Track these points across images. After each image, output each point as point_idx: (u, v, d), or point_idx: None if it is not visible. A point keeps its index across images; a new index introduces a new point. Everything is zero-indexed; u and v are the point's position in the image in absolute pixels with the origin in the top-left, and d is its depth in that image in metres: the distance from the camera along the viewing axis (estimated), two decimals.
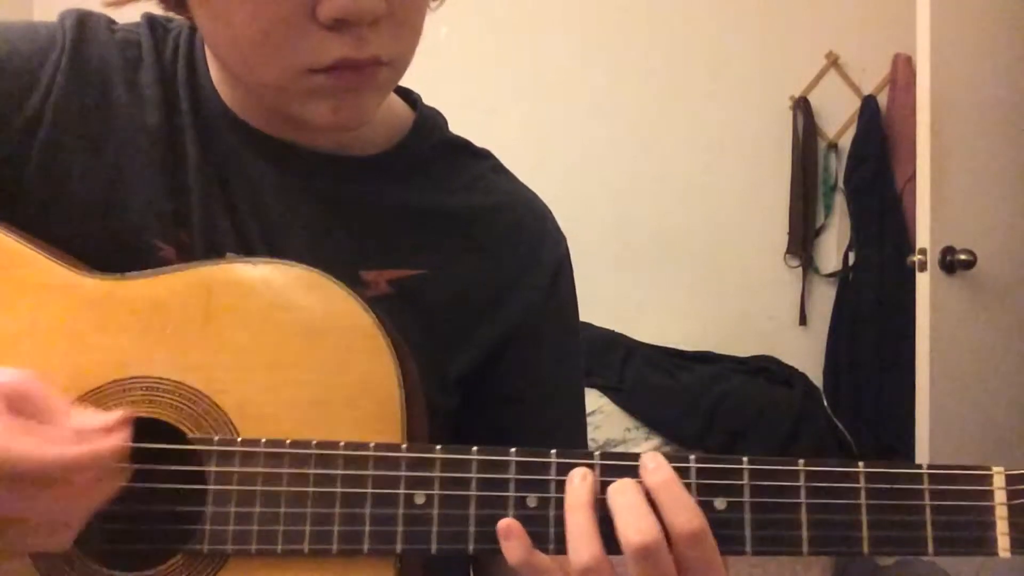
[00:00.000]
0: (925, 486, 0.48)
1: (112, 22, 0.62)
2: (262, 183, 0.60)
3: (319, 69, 0.51)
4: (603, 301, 2.43)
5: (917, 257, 1.86)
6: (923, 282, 1.85)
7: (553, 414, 0.69)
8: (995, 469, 0.48)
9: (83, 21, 0.59)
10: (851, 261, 2.59)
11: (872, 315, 2.49)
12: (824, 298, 2.64)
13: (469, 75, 2.59)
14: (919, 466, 0.48)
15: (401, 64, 0.56)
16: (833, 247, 2.65)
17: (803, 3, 2.62)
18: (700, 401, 2.18)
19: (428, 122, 0.67)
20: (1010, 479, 0.48)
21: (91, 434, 0.44)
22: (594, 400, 2.15)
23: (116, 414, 0.46)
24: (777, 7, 2.62)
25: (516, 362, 0.67)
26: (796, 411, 2.17)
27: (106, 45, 0.59)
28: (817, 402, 2.30)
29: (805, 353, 2.58)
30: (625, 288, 2.63)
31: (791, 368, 2.38)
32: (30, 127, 0.57)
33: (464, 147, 0.69)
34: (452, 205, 0.65)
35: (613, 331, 2.46)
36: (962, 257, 1.83)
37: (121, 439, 0.45)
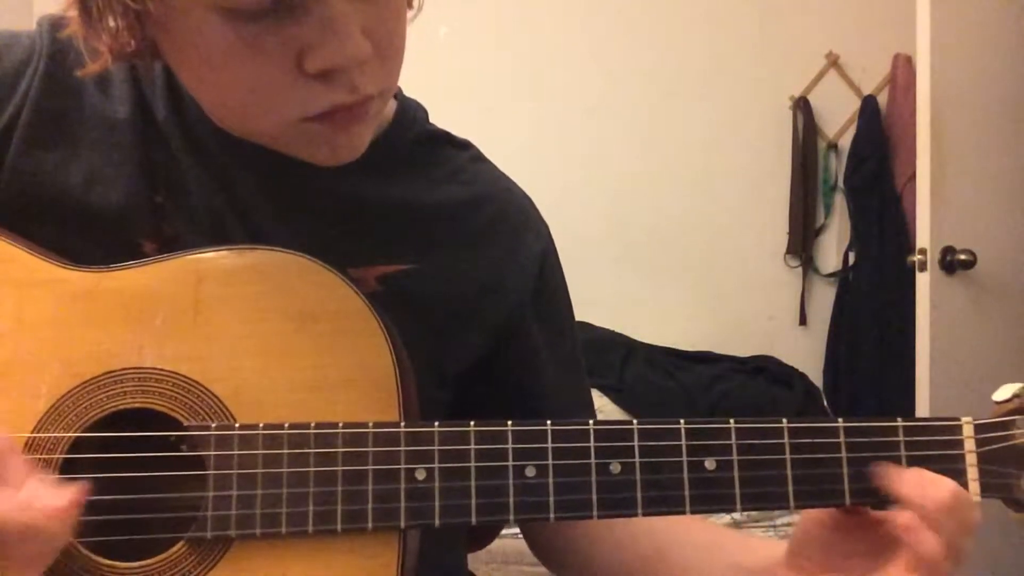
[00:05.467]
0: (900, 438, 0.51)
1: None
2: (243, 185, 0.60)
3: (312, 117, 0.51)
4: (603, 301, 2.44)
5: (917, 257, 1.86)
6: (923, 282, 1.85)
7: (559, 402, 0.69)
8: (964, 419, 0.51)
9: (58, 26, 0.59)
10: (851, 261, 2.59)
11: (872, 315, 2.49)
12: (824, 298, 2.64)
13: (469, 75, 2.59)
14: (894, 419, 0.51)
15: (390, 90, 0.56)
16: (833, 247, 2.65)
17: (803, 3, 2.62)
18: (700, 401, 2.18)
19: (408, 114, 0.67)
20: (978, 428, 0.51)
21: (38, 508, 0.43)
22: (594, 400, 2.15)
23: (70, 492, 0.44)
24: (777, 7, 2.62)
25: (515, 353, 0.67)
26: (796, 411, 2.17)
27: (80, 49, 0.59)
28: (817, 402, 2.30)
29: (805, 353, 2.58)
30: (625, 288, 2.63)
31: (791, 368, 2.39)
32: (5, 133, 0.57)
33: (444, 138, 0.69)
34: (435, 198, 0.65)
35: (613, 331, 2.46)
36: (962, 257, 1.83)
37: (68, 522, 0.44)
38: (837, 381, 2.55)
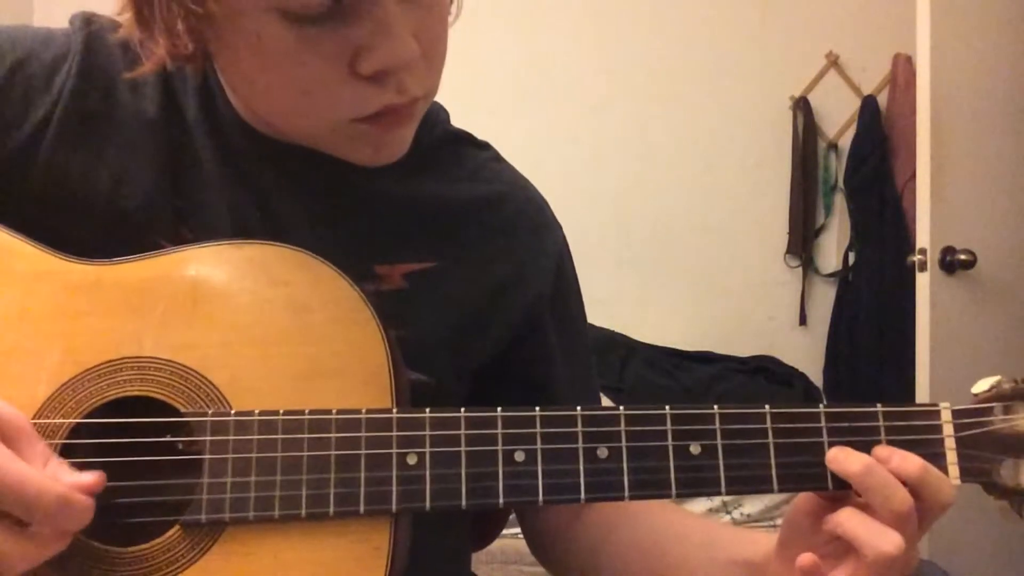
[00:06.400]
0: (880, 423, 0.52)
1: (117, 24, 0.62)
2: (269, 185, 0.61)
3: (361, 118, 0.52)
4: (603, 301, 2.43)
5: (917, 257, 1.86)
6: (923, 282, 1.85)
7: (574, 394, 0.71)
8: (942, 405, 0.52)
9: (90, 25, 0.60)
10: (851, 261, 2.59)
11: (872, 315, 2.50)
12: (824, 298, 2.64)
13: (469, 75, 2.59)
14: (875, 405, 0.52)
15: (433, 93, 0.58)
16: (833, 247, 2.65)
17: (803, 3, 2.63)
18: (700, 401, 2.18)
19: (431, 115, 0.68)
20: (956, 413, 0.52)
21: (68, 481, 0.44)
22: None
23: (91, 475, 0.45)
24: (777, 7, 2.63)
25: (530, 350, 0.68)
26: None
27: (111, 48, 0.60)
28: (817, 402, 2.29)
29: (805, 353, 2.58)
30: (625, 288, 2.63)
31: (791, 368, 2.39)
32: (39, 129, 0.58)
33: (466, 138, 0.71)
34: (458, 196, 0.66)
35: (613, 331, 2.46)
36: (962, 257, 1.83)
37: (89, 503, 0.45)
38: (837, 381, 2.55)
